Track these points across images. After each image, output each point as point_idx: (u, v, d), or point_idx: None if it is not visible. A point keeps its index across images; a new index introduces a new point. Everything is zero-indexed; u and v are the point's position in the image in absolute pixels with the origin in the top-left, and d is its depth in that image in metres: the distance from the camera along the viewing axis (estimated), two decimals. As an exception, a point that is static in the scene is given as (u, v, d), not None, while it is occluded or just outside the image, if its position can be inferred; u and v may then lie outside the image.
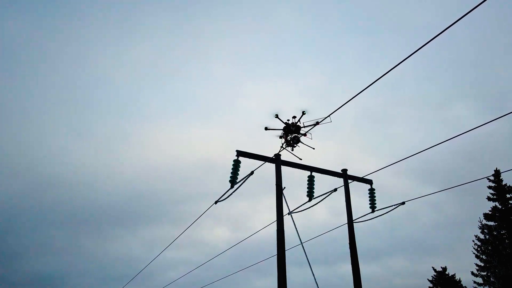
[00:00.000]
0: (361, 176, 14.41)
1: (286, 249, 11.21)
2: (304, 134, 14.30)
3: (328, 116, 12.06)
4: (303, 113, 14.07)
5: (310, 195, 13.30)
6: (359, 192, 14.99)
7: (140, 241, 60.00)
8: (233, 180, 11.95)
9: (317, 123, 14.03)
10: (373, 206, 14.51)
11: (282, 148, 14.36)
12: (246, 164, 12.44)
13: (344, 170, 14.05)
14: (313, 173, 13.60)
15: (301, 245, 11.89)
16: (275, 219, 11.48)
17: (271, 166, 12.45)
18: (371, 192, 14.71)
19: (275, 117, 14.44)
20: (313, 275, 11.55)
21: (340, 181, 13.93)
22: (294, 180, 13.80)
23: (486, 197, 34.15)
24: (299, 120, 14.31)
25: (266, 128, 14.47)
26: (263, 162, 12.29)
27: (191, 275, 20.97)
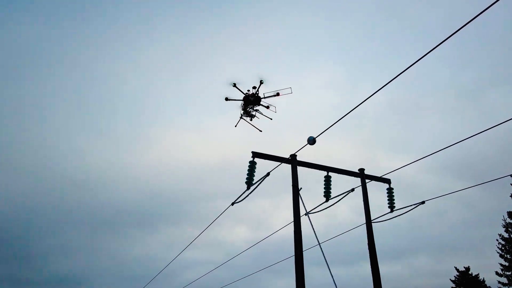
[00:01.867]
0: (379, 176, 14.28)
1: (304, 250, 11.18)
2: (267, 107, 14.11)
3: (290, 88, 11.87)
4: (261, 82, 13.86)
5: (327, 195, 13.20)
6: (382, 189, 14.83)
7: (159, 242, 60.70)
8: (249, 182, 11.96)
9: (278, 93, 13.83)
10: (391, 206, 14.33)
11: (240, 118, 14.16)
12: (263, 164, 12.45)
13: (361, 170, 13.92)
14: (330, 173, 13.51)
15: (319, 245, 11.85)
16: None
17: (288, 165, 12.43)
18: (390, 191, 14.52)
19: (233, 86, 14.18)
20: (331, 275, 11.49)
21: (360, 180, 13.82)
22: (312, 177, 13.70)
23: (510, 194, 33.27)
24: (257, 90, 14.07)
25: (226, 99, 14.29)
26: (279, 163, 12.28)
27: (211, 275, 21.11)
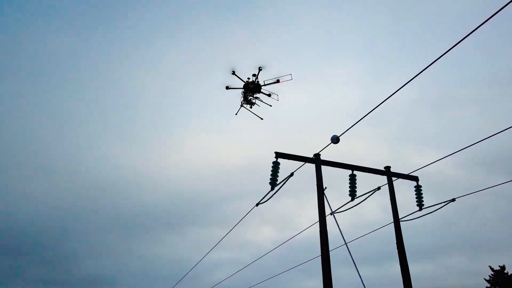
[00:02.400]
0: (407, 173, 13.99)
1: (331, 249, 11.08)
2: (269, 95, 14.12)
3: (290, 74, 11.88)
4: (260, 69, 13.88)
5: (353, 194, 13.01)
6: (411, 186, 14.49)
7: (187, 243, 61.50)
8: (273, 182, 11.93)
9: (278, 80, 13.80)
10: (420, 204, 13.98)
11: (241, 106, 14.19)
12: (287, 164, 12.39)
13: (387, 167, 13.65)
14: (355, 172, 13.31)
15: (345, 245, 11.71)
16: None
17: (312, 165, 12.34)
18: (418, 189, 14.18)
19: (232, 74, 14.28)
20: (359, 275, 11.34)
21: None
22: (337, 176, 13.51)
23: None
24: (257, 77, 14.08)
25: (227, 87, 14.42)
26: (303, 163, 12.20)
27: (238, 275, 21.22)
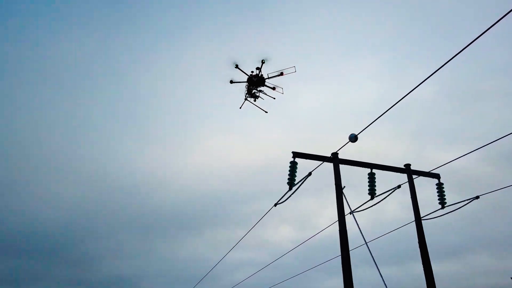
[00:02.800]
0: (428, 171, 13.69)
1: (351, 249, 10.94)
2: (273, 88, 14.05)
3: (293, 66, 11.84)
4: (263, 62, 13.79)
5: (372, 193, 12.82)
6: (434, 183, 14.16)
7: (206, 243, 61.89)
8: (290, 182, 11.87)
9: (281, 73, 13.69)
10: (442, 202, 13.67)
11: (245, 100, 14.13)
12: (305, 164, 12.30)
13: (407, 165, 13.40)
14: (374, 170, 13.11)
15: (365, 244, 11.54)
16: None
17: (330, 163, 12.22)
18: (439, 187, 13.87)
19: (235, 67, 14.26)
20: (380, 275, 11.15)
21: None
22: (356, 174, 13.33)
23: None
24: (260, 71, 14.00)
25: (231, 82, 14.43)
26: (321, 162, 12.09)
27: (257, 275, 21.22)
